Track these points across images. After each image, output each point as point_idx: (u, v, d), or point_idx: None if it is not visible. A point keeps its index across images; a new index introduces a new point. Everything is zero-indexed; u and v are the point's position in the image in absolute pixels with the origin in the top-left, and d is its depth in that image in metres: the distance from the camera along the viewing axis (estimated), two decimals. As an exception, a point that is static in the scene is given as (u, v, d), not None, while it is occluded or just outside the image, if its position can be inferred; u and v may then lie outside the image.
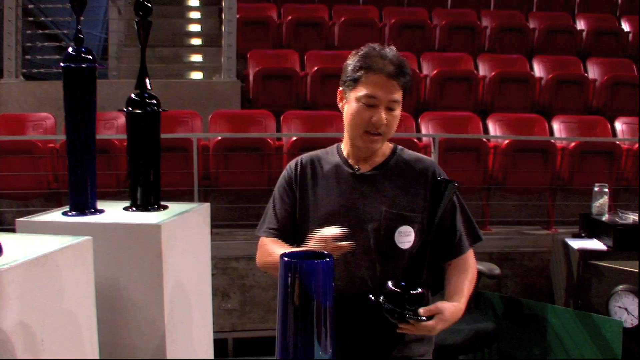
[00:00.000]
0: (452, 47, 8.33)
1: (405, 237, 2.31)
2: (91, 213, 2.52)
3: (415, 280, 2.16)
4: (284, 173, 2.53)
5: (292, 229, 2.47)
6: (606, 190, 4.93)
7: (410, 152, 2.46)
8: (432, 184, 2.29)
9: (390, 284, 2.14)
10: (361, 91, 2.27)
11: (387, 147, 2.44)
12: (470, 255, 2.41)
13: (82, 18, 2.47)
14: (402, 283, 2.14)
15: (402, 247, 2.30)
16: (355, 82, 2.30)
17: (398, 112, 2.30)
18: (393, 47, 2.34)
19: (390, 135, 2.34)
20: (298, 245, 2.41)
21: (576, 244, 4.78)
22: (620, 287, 4.26)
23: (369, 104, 2.26)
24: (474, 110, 7.16)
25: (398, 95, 2.26)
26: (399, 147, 2.48)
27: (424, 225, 2.31)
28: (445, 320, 2.14)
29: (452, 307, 2.20)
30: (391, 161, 2.41)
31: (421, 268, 2.22)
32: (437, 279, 2.43)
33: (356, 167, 2.39)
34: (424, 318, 2.10)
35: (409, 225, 2.31)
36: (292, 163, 2.52)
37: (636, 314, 4.16)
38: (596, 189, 4.96)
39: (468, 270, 2.38)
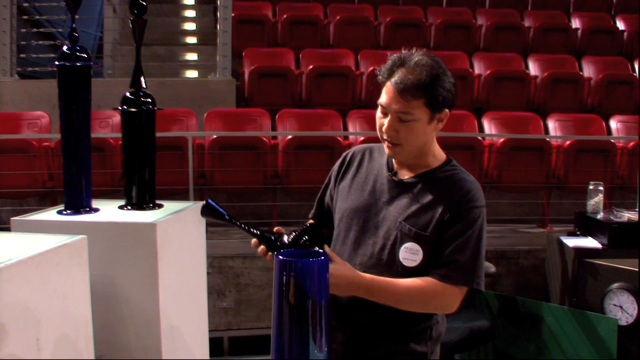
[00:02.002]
0: (447, 45, 8.33)
1: (411, 254, 2.21)
2: (86, 212, 2.52)
3: (315, 237, 2.07)
4: (338, 160, 2.51)
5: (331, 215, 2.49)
6: (601, 188, 4.94)
7: (460, 172, 2.32)
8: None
9: (285, 238, 2.07)
10: (380, 98, 2.23)
11: (438, 159, 2.34)
12: (447, 289, 2.19)
13: (77, 16, 2.47)
14: (305, 238, 2.05)
15: (405, 264, 2.21)
16: (381, 86, 2.25)
17: (414, 124, 2.18)
18: (426, 55, 2.23)
19: (413, 146, 2.23)
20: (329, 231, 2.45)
21: (571, 242, 4.79)
22: (615, 285, 4.26)
23: (382, 111, 2.22)
24: (470, 108, 7.17)
25: (409, 108, 2.15)
26: (453, 162, 2.35)
27: (433, 247, 2.22)
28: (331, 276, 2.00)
29: (348, 272, 2.12)
30: (433, 174, 2.30)
31: None
32: None
33: (394, 171, 2.33)
34: None
35: (416, 243, 2.21)
36: (347, 152, 2.50)
37: (631, 311, 4.17)
38: (591, 187, 4.96)
39: (425, 291, 2.19)
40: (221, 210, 2.17)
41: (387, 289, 2.16)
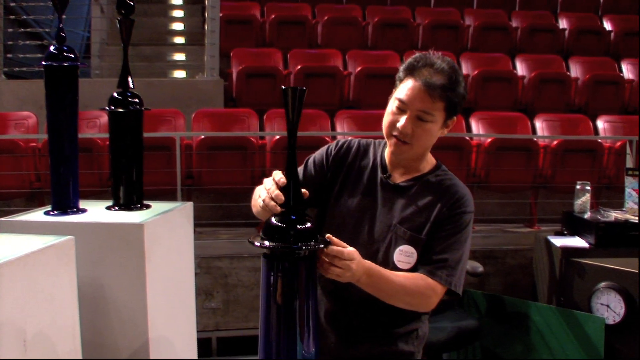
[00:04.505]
0: (435, 45, 8.16)
1: (406, 257, 2.22)
2: (73, 212, 2.51)
3: (304, 214, 1.84)
4: (329, 146, 2.45)
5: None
6: (588, 188, 4.96)
7: (451, 177, 2.35)
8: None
9: (273, 219, 1.80)
10: (398, 93, 2.22)
11: (430, 163, 2.36)
12: (433, 286, 2.18)
13: (64, 16, 2.46)
14: (293, 217, 1.79)
15: (399, 267, 2.22)
16: (399, 83, 2.25)
17: (431, 126, 2.20)
18: (449, 60, 2.26)
19: (420, 148, 2.25)
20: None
21: (558, 241, 4.80)
22: (602, 284, 4.28)
23: (400, 107, 2.21)
24: (457, 108, 7.18)
25: (432, 108, 2.17)
26: (443, 167, 2.38)
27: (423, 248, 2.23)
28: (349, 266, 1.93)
29: (362, 261, 2.01)
30: (425, 178, 2.32)
31: None
32: None
33: (387, 174, 2.33)
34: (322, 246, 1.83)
35: (411, 245, 2.23)
36: (341, 141, 2.45)
37: (618, 310, 4.19)
38: (578, 186, 4.98)
39: (417, 284, 2.16)
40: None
41: (385, 276, 2.11)
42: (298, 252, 1.75)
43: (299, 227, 1.75)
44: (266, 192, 1.91)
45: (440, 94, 2.16)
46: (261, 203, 1.93)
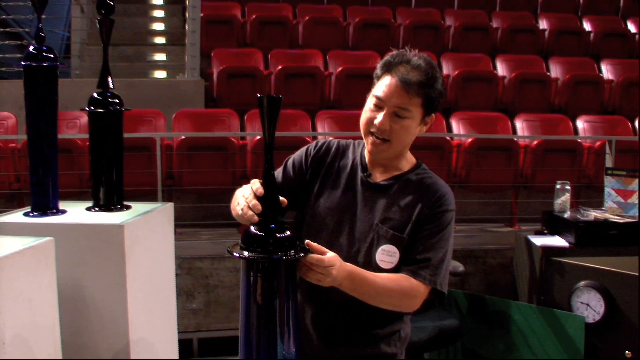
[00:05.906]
0: (416, 46, 8.12)
1: (388, 256, 2.21)
2: (53, 213, 2.50)
3: (282, 223, 1.80)
4: (308, 146, 2.43)
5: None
6: (568, 187, 4.98)
7: (432, 176, 2.34)
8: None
9: (252, 228, 1.78)
10: (375, 90, 2.22)
11: (410, 162, 2.35)
12: (417, 286, 2.17)
13: (43, 16, 2.45)
14: (272, 226, 1.77)
15: (382, 267, 2.21)
16: (376, 80, 2.25)
17: (409, 122, 2.19)
18: (426, 57, 2.27)
19: (399, 145, 2.24)
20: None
21: (539, 240, 4.82)
22: (582, 283, 4.31)
23: (377, 104, 2.21)
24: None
25: (409, 104, 2.17)
26: (423, 165, 2.37)
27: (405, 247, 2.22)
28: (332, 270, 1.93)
29: (343, 265, 2.00)
30: (405, 177, 2.31)
31: None
32: None
33: (367, 172, 2.32)
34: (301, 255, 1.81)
35: (393, 245, 2.21)
36: (321, 142, 2.44)
37: (598, 309, 4.22)
38: (558, 186, 5.00)
39: (401, 285, 2.15)
40: None
41: (368, 279, 2.09)
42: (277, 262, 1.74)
43: (277, 235, 1.74)
44: (244, 200, 1.91)
45: (417, 90, 2.16)
46: (240, 211, 1.94)
